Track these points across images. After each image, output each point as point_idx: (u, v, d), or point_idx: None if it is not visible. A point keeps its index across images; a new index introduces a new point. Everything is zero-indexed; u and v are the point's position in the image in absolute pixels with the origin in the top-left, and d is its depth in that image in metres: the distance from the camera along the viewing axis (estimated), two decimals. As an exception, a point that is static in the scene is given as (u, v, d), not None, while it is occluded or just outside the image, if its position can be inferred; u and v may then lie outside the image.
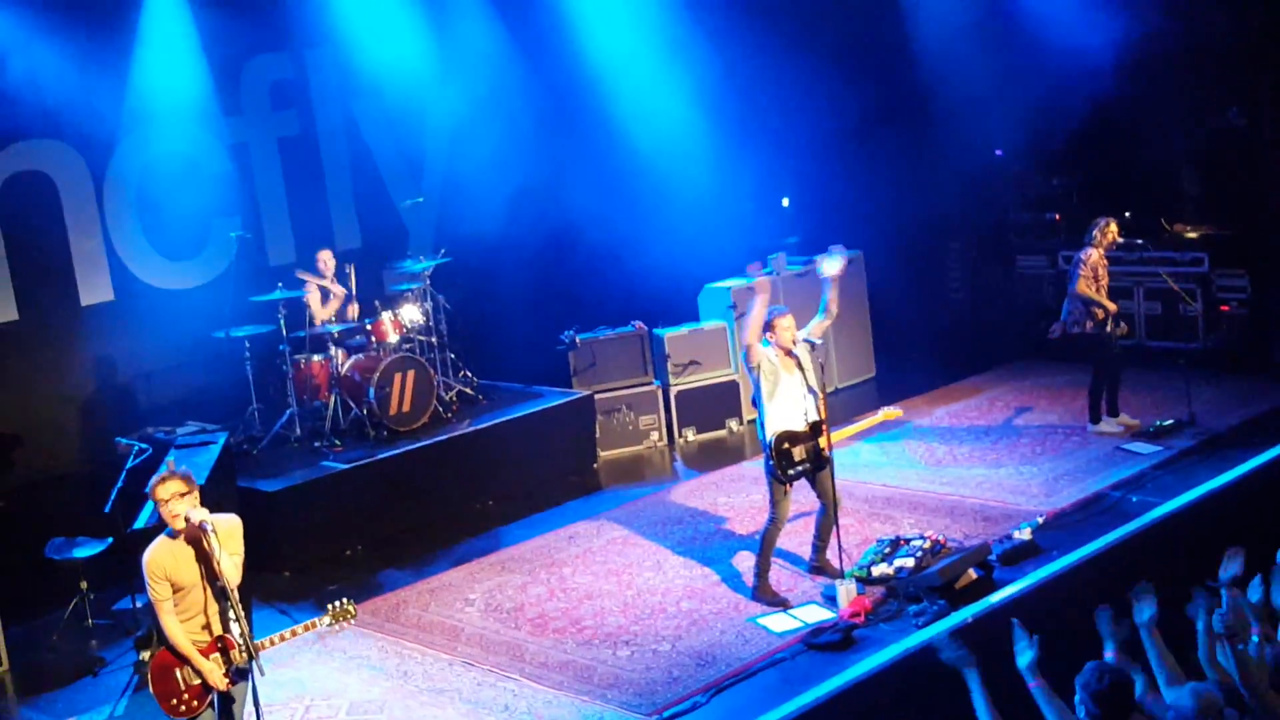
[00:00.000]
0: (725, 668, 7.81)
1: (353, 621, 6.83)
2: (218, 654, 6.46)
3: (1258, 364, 12.40)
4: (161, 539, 6.47)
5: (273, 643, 6.63)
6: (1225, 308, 12.81)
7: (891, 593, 8.41)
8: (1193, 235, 13.19)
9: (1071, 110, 13.40)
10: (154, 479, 6.45)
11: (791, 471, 8.51)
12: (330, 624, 6.74)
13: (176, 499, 6.35)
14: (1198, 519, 9.28)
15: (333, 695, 8.04)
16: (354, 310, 11.63)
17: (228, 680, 6.47)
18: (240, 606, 6.37)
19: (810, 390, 8.53)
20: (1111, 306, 10.89)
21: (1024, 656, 5.36)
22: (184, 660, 6.43)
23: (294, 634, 6.70)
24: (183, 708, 6.48)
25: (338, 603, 6.79)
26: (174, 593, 6.39)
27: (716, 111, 13.76)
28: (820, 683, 7.38)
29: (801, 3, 13.81)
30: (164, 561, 6.37)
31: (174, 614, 6.40)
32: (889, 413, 9.36)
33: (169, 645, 6.46)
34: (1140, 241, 12.92)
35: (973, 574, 8.47)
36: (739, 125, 13.96)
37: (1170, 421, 11.02)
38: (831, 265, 8.93)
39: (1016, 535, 9.05)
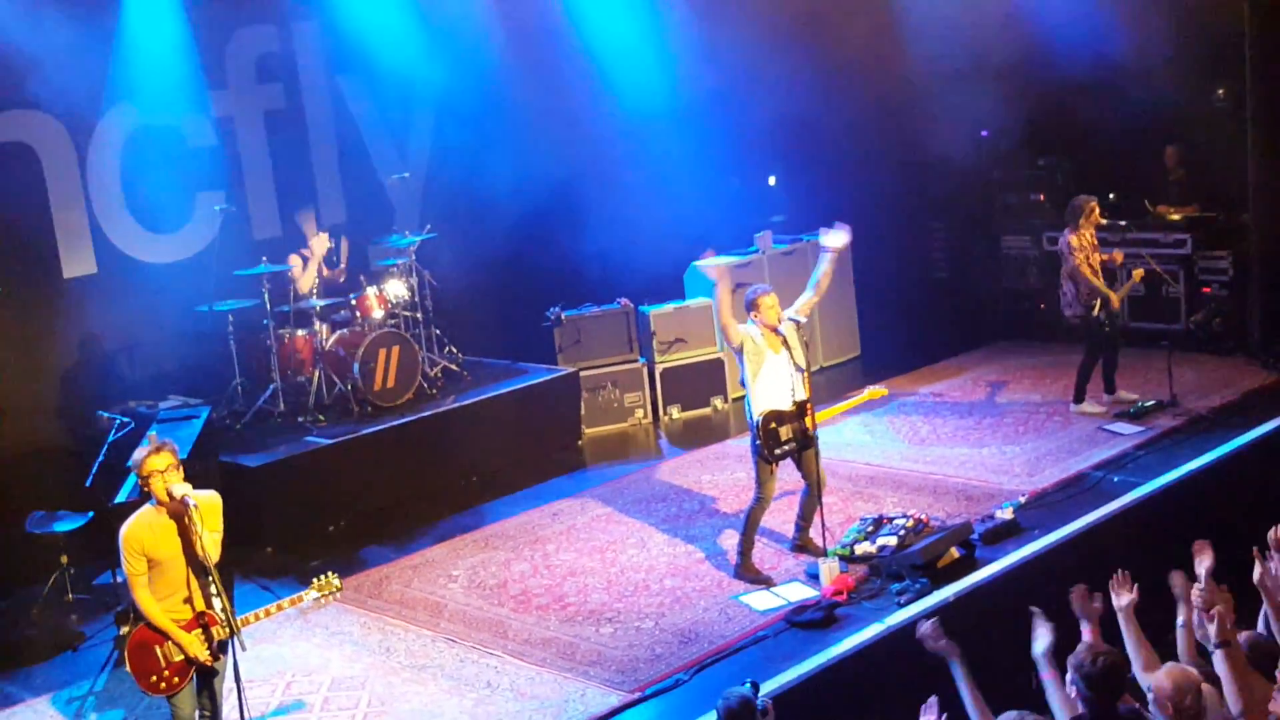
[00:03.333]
0: (708, 645, 7.84)
1: (337, 596, 6.83)
2: (200, 630, 6.45)
3: (1239, 345, 12.45)
4: (142, 513, 6.46)
5: (258, 618, 6.65)
6: (1207, 289, 12.84)
7: (874, 571, 8.44)
8: (1176, 217, 13.20)
9: (1058, 91, 13.39)
10: (142, 451, 6.41)
11: (778, 451, 8.52)
12: (316, 597, 6.75)
13: (170, 471, 6.35)
14: (1178, 500, 9.34)
15: (314, 671, 8.05)
16: (343, 265, 11.59)
17: (209, 654, 6.46)
18: (220, 582, 6.37)
19: (797, 369, 8.54)
20: (1114, 298, 10.89)
21: (1039, 644, 5.39)
22: (163, 636, 6.42)
23: (279, 608, 6.71)
24: (163, 684, 6.47)
25: (323, 576, 6.80)
26: (153, 567, 6.37)
27: (705, 89, 13.72)
28: (803, 660, 7.42)
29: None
30: (142, 535, 6.36)
31: (148, 589, 6.38)
32: (874, 391, 9.35)
33: (146, 622, 6.44)
34: (1124, 223, 12.95)
35: (955, 553, 8.50)
36: (727, 103, 13.92)
37: (1152, 402, 11.06)
38: (836, 238, 8.94)
39: (999, 514, 9.09)
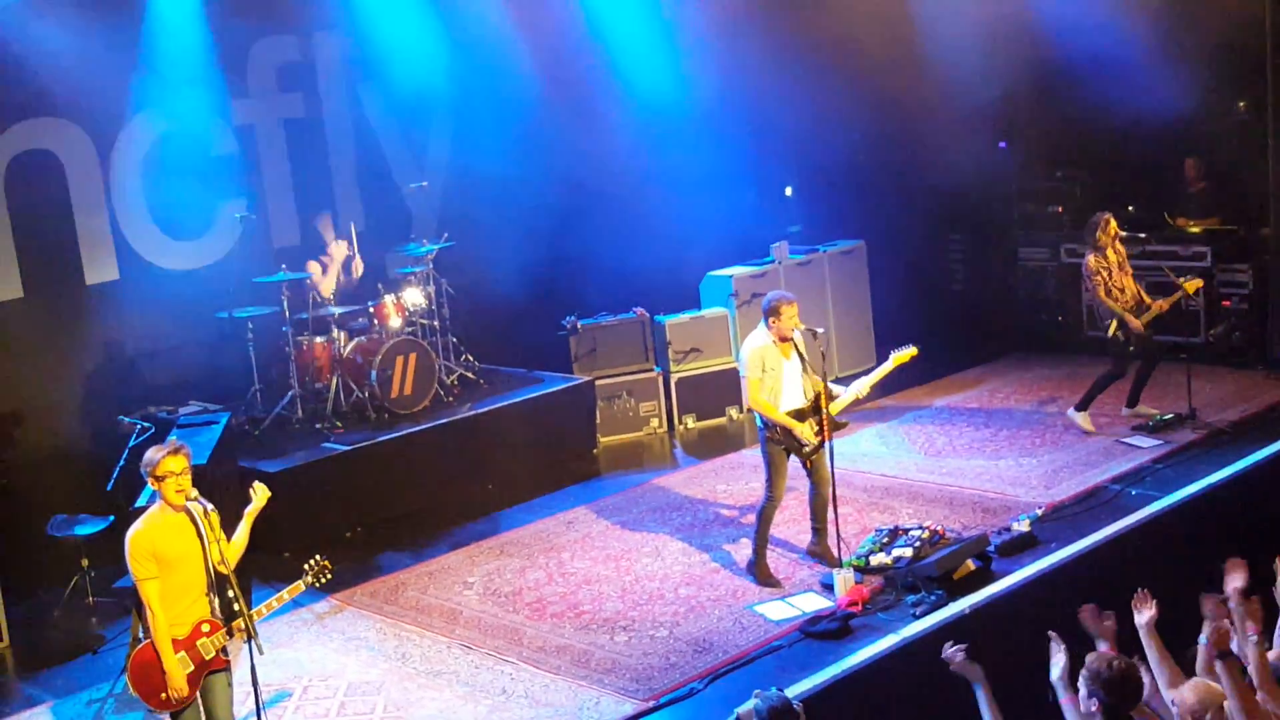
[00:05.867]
0: (722, 654, 7.85)
1: (330, 574, 6.86)
2: (220, 631, 6.44)
3: (1259, 359, 12.41)
4: (149, 515, 6.43)
5: (259, 614, 6.61)
6: (1227, 302, 12.81)
7: (889, 582, 8.44)
8: (1196, 230, 13.18)
9: (1077, 103, 13.39)
10: (159, 452, 6.35)
11: (807, 448, 8.60)
12: (311, 583, 6.79)
13: (185, 474, 6.37)
14: (1197, 514, 9.31)
15: (331, 676, 8.09)
16: (358, 266, 11.68)
17: (191, 682, 6.40)
18: (239, 587, 6.39)
19: (808, 371, 8.63)
20: (1135, 323, 10.81)
21: (1056, 667, 5.38)
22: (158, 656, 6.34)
23: (280, 601, 6.72)
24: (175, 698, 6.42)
25: (313, 561, 6.82)
26: (163, 568, 6.31)
27: (722, 101, 13.76)
28: (817, 671, 7.43)
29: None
30: (153, 536, 6.32)
31: (160, 597, 6.30)
32: (901, 356, 9.09)
33: (150, 639, 6.37)
34: (1143, 235, 12.93)
35: (971, 565, 8.50)
36: (743, 114, 13.96)
37: (1170, 416, 11.03)
38: (902, 355, 9.01)
39: (1015, 527, 9.09)
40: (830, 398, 8.71)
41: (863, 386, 8.94)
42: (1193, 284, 11.16)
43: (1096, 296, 10.86)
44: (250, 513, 6.70)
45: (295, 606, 8.98)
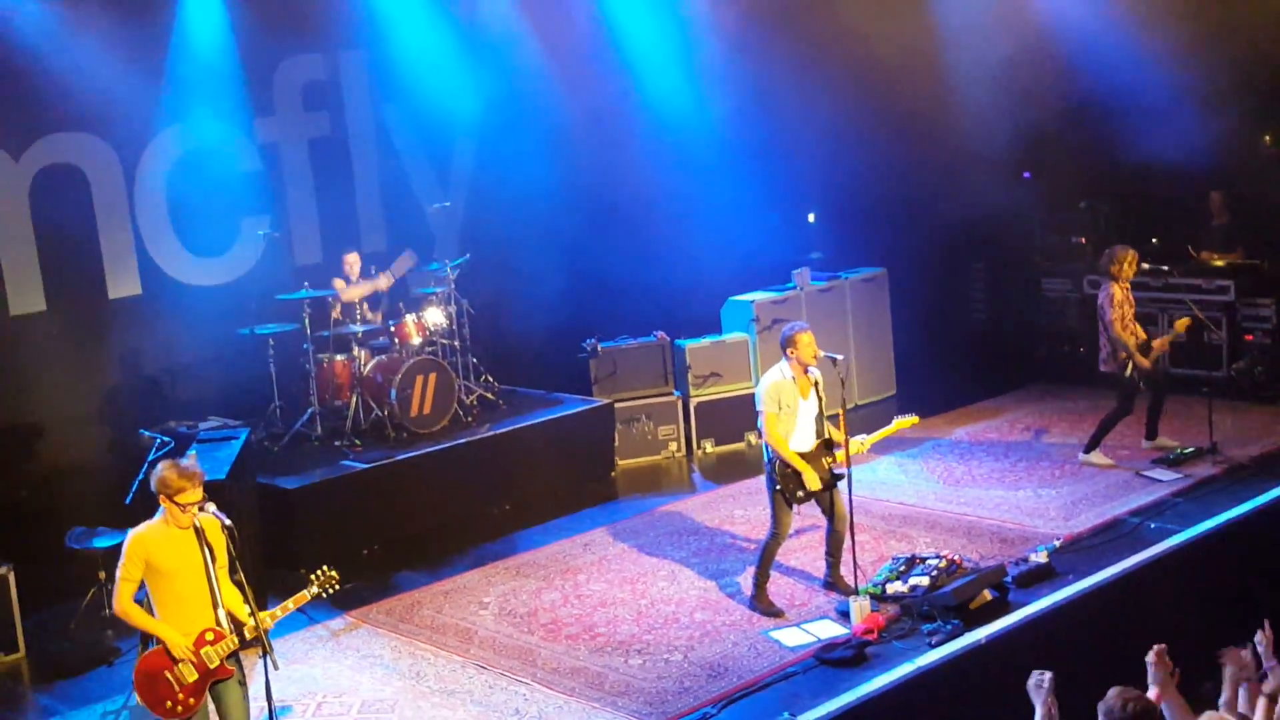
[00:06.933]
0: (736, 679, 7.82)
1: (336, 585, 6.86)
2: (225, 640, 6.42)
3: (1281, 394, 12.36)
4: (153, 524, 6.47)
5: (264, 622, 6.54)
6: (1250, 337, 12.75)
7: (906, 611, 8.40)
8: (1220, 263, 13.14)
9: (1101, 134, 13.38)
10: (187, 481, 6.36)
11: (801, 494, 8.55)
12: (318, 593, 6.78)
13: (201, 501, 6.40)
14: (1216, 548, 9.25)
15: (345, 693, 8.08)
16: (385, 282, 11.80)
17: (198, 661, 6.41)
18: (253, 600, 6.40)
19: (821, 412, 8.58)
20: (1143, 362, 10.78)
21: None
22: (171, 659, 6.37)
23: (284, 610, 6.67)
24: (179, 709, 6.42)
25: (319, 571, 6.82)
26: (159, 578, 6.37)
27: (745, 125, 13.79)
28: (831, 698, 7.38)
29: (832, 20, 13.81)
30: (149, 544, 6.37)
31: (131, 597, 6.39)
32: (902, 421, 9.21)
33: (152, 648, 6.41)
34: (1166, 268, 12.88)
35: (988, 595, 8.46)
36: (767, 139, 13.98)
37: (1191, 449, 10.97)
38: (904, 420, 9.06)
39: (1033, 558, 9.03)
40: (835, 445, 8.67)
41: (864, 442, 8.89)
42: (1182, 323, 11.16)
43: (1113, 330, 10.80)
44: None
45: (310, 623, 9.01)
